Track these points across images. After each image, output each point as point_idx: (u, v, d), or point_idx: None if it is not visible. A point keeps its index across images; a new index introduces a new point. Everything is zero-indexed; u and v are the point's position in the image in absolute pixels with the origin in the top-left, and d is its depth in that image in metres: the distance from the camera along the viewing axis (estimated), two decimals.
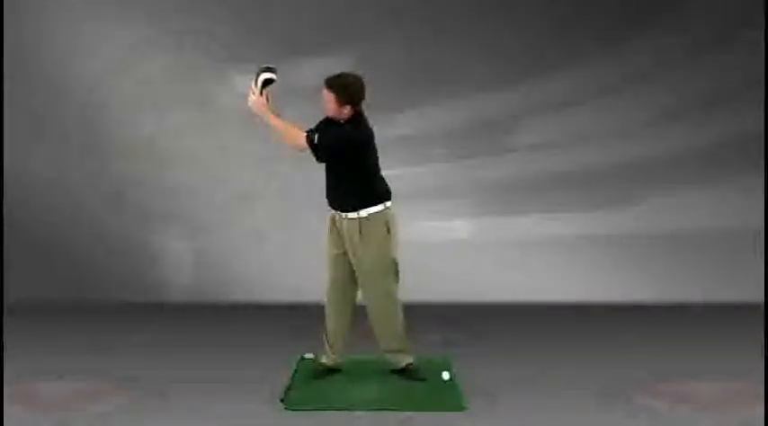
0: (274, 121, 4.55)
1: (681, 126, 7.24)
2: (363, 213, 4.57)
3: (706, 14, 7.21)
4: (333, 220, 4.71)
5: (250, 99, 4.54)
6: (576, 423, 4.20)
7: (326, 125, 4.58)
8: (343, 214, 4.61)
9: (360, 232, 4.57)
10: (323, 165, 4.62)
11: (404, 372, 4.78)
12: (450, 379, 4.65)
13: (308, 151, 4.52)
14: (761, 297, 6.47)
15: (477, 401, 4.42)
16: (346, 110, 4.49)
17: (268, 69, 4.55)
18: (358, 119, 4.53)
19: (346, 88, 4.46)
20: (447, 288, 6.78)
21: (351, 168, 4.53)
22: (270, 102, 4.56)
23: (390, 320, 4.71)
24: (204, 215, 7.28)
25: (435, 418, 4.23)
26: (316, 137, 4.50)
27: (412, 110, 7.22)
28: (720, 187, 7.22)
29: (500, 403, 4.43)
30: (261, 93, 4.53)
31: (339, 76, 4.50)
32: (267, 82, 4.53)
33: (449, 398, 4.46)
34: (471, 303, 6.80)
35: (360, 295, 4.76)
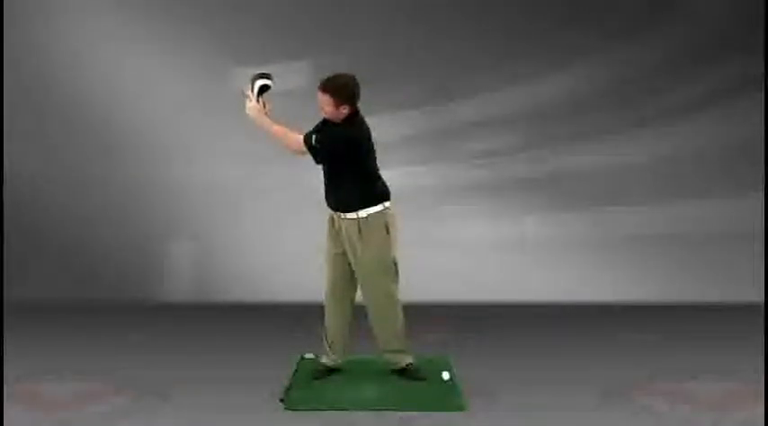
0: (272, 127, 4.55)
1: (680, 126, 7.24)
2: (363, 213, 4.57)
3: (706, 14, 7.21)
4: (332, 220, 4.71)
5: (247, 106, 4.54)
6: (576, 423, 4.20)
7: (324, 126, 4.58)
8: (343, 214, 4.61)
9: (359, 232, 4.57)
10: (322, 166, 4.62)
11: (404, 372, 4.78)
12: (450, 379, 4.65)
13: (308, 153, 4.52)
14: (761, 297, 6.48)
15: (477, 401, 4.42)
16: (344, 111, 4.48)
17: (263, 76, 4.54)
18: (355, 119, 4.53)
19: (342, 88, 4.45)
20: (447, 288, 6.78)
21: (349, 168, 4.53)
22: (267, 107, 4.56)
23: (390, 320, 4.71)
24: (204, 215, 7.28)
25: (435, 418, 4.23)
26: (314, 138, 4.50)
27: (412, 110, 7.23)
28: (720, 187, 7.23)
29: (500, 403, 4.43)
30: (257, 99, 4.52)
31: (333, 77, 4.48)
32: (263, 88, 4.52)
33: (449, 398, 4.46)
34: (471, 303, 6.80)
35: (359, 295, 4.76)
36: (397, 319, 4.72)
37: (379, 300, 4.68)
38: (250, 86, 4.52)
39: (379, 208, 4.59)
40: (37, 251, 7.17)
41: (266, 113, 4.56)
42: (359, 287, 4.73)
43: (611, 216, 7.27)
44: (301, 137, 4.53)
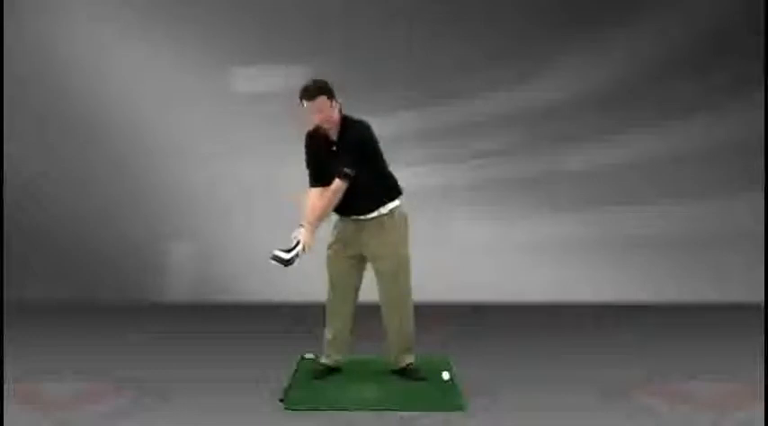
0: (318, 216, 4.48)
1: (680, 127, 7.25)
2: (384, 210, 4.58)
3: (706, 15, 7.21)
4: (341, 229, 4.69)
5: (307, 246, 4.43)
6: (575, 423, 4.20)
7: (333, 147, 4.52)
8: (363, 216, 4.60)
9: (383, 228, 4.56)
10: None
11: (404, 372, 4.78)
12: (450, 379, 4.65)
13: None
14: (761, 297, 6.48)
15: (477, 401, 4.42)
16: (337, 109, 4.48)
17: (283, 261, 4.41)
18: (351, 121, 4.52)
19: (325, 86, 4.44)
20: (447, 288, 6.78)
21: (367, 170, 4.50)
22: (303, 239, 4.43)
23: (408, 319, 4.72)
24: (204, 215, 7.29)
25: (435, 418, 4.23)
26: (346, 170, 4.42)
27: (412, 110, 7.23)
28: (720, 187, 7.23)
29: (500, 403, 4.43)
30: (298, 251, 4.41)
31: (310, 84, 4.44)
32: (291, 260, 4.41)
33: (449, 398, 4.46)
34: (471, 303, 6.80)
35: (361, 296, 4.75)
36: (411, 317, 4.73)
37: (400, 297, 4.67)
38: (286, 265, 4.41)
39: (396, 202, 4.62)
40: (37, 251, 7.17)
41: (310, 230, 4.45)
42: (378, 285, 4.69)
43: (611, 216, 7.27)
44: (339, 183, 4.44)
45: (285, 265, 4.42)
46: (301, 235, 4.46)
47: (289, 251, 4.43)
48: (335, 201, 4.50)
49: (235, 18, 7.15)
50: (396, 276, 4.65)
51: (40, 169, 7.23)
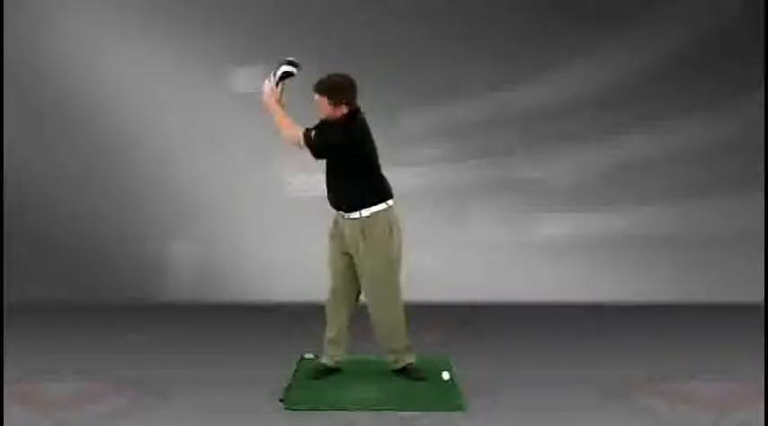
0: (279, 116, 4.57)
1: (680, 127, 7.24)
2: (365, 212, 4.56)
3: (707, 15, 7.21)
4: (336, 222, 4.70)
5: (264, 89, 4.55)
6: (575, 423, 4.20)
7: (324, 124, 4.59)
8: (345, 214, 4.61)
9: (362, 232, 4.56)
10: (324, 165, 4.62)
11: (404, 372, 4.78)
12: (451, 379, 4.65)
13: (305, 149, 4.52)
14: (761, 297, 6.48)
15: (477, 401, 4.42)
16: (341, 111, 4.49)
17: (290, 63, 4.57)
18: (352, 118, 4.53)
19: (336, 88, 4.47)
20: (447, 288, 6.78)
21: (350, 167, 4.52)
22: (283, 97, 4.57)
23: (392, 319, 4.70)
24: (204, 215, 7.28)
25: (435, 418, 4.23)
26: (313, 134, 4.50)
27: (413, 110, 7.23)
28: (720, 187, 7.23)
29: (500, 403, 4.43)
30: (276, 84, 4.53)
31: (326, 79, 4.50)
32: (286, 75, 4.55)
33: (449, 398, 4.46)
34: (471, 303, 6.80)
35: (363, 295, 4.75)
36: (399, 319, 4.72)
37: (382, 300, 4.67)
38: (273, 71, 4.55)
39: (381, 206, 4.59)
40: (37, 251, 7.16)
41: (279, 101, 4.58)
42: (362, 286, 4.71)
43: (610, 216, 7.27)
44: (302, 131, 4.53)
45: (280, 64, 4.57)
46: (274, 90, 4.56)
47: (285, 72, 4.57)
48: (284, 131, 4.55)
49: (235, 18, 7.14)
50: (374, 279, 4.63)
51: (40, 169, 7.22)
